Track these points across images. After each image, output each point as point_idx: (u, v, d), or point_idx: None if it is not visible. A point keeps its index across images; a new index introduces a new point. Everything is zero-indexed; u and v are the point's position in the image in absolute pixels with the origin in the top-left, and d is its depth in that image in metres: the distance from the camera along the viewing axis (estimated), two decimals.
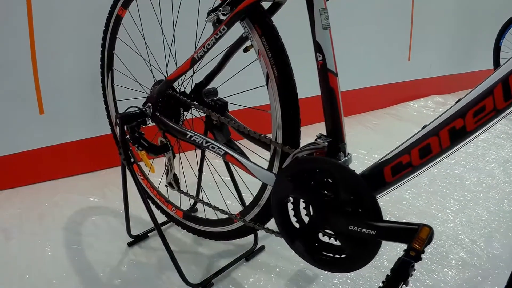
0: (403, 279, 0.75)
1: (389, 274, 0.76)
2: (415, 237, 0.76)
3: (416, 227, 0.78)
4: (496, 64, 3.56)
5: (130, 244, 1.46)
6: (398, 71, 3.46)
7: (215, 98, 1.27)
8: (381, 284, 0.78)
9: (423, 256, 1.40)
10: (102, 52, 1.48)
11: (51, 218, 1.64)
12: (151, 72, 1.38)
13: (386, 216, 1.47)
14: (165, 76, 1.31)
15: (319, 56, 0.90)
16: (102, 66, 1.50)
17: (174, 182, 1.34)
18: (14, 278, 1.29)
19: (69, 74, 1.90)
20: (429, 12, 3.53)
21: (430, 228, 0.77)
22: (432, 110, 3.48)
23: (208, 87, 1.29)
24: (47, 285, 1.26)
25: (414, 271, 0.77)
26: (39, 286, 1.25)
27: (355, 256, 0.90)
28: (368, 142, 2.62)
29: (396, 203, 1.78)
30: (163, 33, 1.35)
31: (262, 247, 1.44)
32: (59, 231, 1.55)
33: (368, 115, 3.26)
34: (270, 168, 1.06)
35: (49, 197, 1.80)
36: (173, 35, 1.35)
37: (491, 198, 1.90)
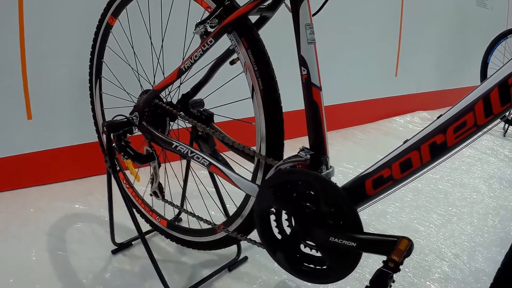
0: None
1: (368, 285, 0.77)
2: (394, 249, 0.77)
3: (396, 239, 0.79)
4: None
5: (114, 252, 1.45)
6: (385, 87, 3.50)
7: (201, 109, 1.29)
8: None
9: (405, 269, 1.41)
10: (91, 60, 1.49)
11: (36, 223, 1.62)
12: (139, 81, 1.39)
13: (369, 230, 1.48)
14: (152, 86, 1.33)
15: (304, 70, 0.92)
16: (90, 74, 1.51)
17: (158, 191, 1.34)
18: None
19: (58, 80, 1.90)
20: (417, 28, 3.59)
21: (409, 240, 0.78)
22: (418, 125, 3.53)
23: (194, 98, 1.30)
24: None
25: (393, 282, 0.78)
26: None
27: (336, 267, 0.91)
28: (353, 156, 2.65)
29: (380, 217, 1.80)
30: (151, 43, 1.36)
31: (245, 258, 1.45)
32: (44, 236, 1.54)
33: (354, 129, 3.29)
34: (253, 180, 1.07)
35: (35, 202, 1.78)
36: (161, 46, 1.36)
37: (475, 213, 1.93)
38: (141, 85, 1.38)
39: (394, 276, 0.77)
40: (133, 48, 1.44)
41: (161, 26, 1.32)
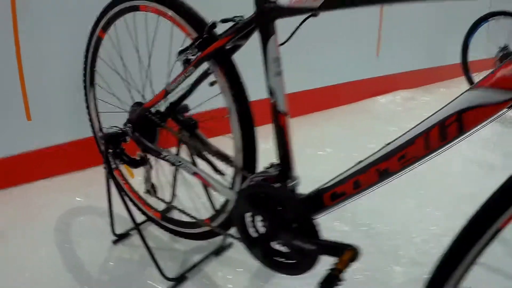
0: None
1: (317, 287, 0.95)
2: (340, 258, 0.94)
3: (344, 247, 0.96)
4: (464, 62, 3.72)
5: (115, 242, 1.63)
6: (367, 67, 3.58)
7: (188, 117, 1.42)
8: None
9: (375, 253, 1.55)
10: (84, 69, 1.62)
11: (41, 218, 1.77)
12: (129, 92, 1.53)
13: (342, 212, 1.57)
14: (142, 95, 1.48)
15: (271, 99, 1.06)
16: (84, 81, 1.64)
17: (152, 190, 1.52)
18: (14, 275, 1.43)
19: (55, 82, 2.03)
20: (399, 8, 3.64)
21: (355, 250, 0.95)
22: (399, 105, 3.63)
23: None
24: (46, 281, 1.42)
25: (339, 285, 0.94)
26: (37, 282, 1.41)
27: (301, 262, 1.08)
28: (333, 138, 2.75)
29: (353, 202, 1.93)
30: (139, 57, 1.50)
31: (231, 244, 1.61)
32: (50, 230, 1.69)
33: (335, 110, 3.37)
34: (232, 186, 1.24)
35: (38, 197, 1.93)
36: (149, 63, 1.49)
37: (449, 198, 1.98)
38: (131, 97, 1.52)
39: (341, 279, 0.93)
40: (122, 59, 1.57)
41: (147, 39, 1.44)
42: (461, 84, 3.65)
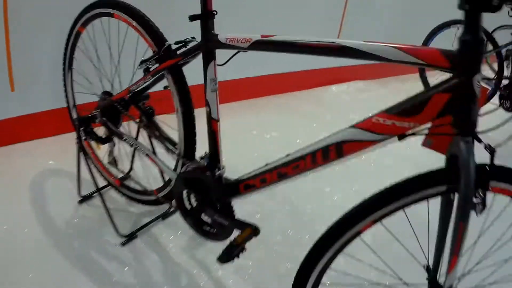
0: (229, 259, 1.29)
1: (221, 253, 1.31)
2: (240, 233, 1.30)
3: (248, 226, 1.32)
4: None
5: (80, 202, 1.95)
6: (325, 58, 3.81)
7: (147, 107, 1.74)
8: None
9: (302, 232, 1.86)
10: (65, 54, 1.90)
11: (18, 176, 2.07)
12: (101, 81, 1.84)
13: (275, 190, 1.81)
14: (111, 84, 1.78)
15: (207, 108, 1.39)
16: (64, 64, 1.93)
17: (113, 162, 1.85)
18: None
19: (38, 58, 2.29)
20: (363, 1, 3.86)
21: (255, 229, 1.29)
22: (350, 94, 3.89)
23: None
24: (20, 232, 1.73)
25: (240, 253, 1.30)
26: (12, 233, 1.73)
27: (220, 232, 1.44)
28: (282, 123, 3.04)
29: (286, 184, 2.27)
30: (110, 53, 1.79)
31: (175, 210, 1.93)
32: (26, 188, 2.00)
33: (287, 96, 3.61)
34: (175, 169, 1.59)
35: (17, 158, 2.24)
36: (119, 60, 1.79)
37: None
38: (102, 86, 1.82)
39: (240, 249, 1.29)
40: (96, 51, 1.86)
41: (118, 43, 1.74)
42: (416, 81, 3.93)
